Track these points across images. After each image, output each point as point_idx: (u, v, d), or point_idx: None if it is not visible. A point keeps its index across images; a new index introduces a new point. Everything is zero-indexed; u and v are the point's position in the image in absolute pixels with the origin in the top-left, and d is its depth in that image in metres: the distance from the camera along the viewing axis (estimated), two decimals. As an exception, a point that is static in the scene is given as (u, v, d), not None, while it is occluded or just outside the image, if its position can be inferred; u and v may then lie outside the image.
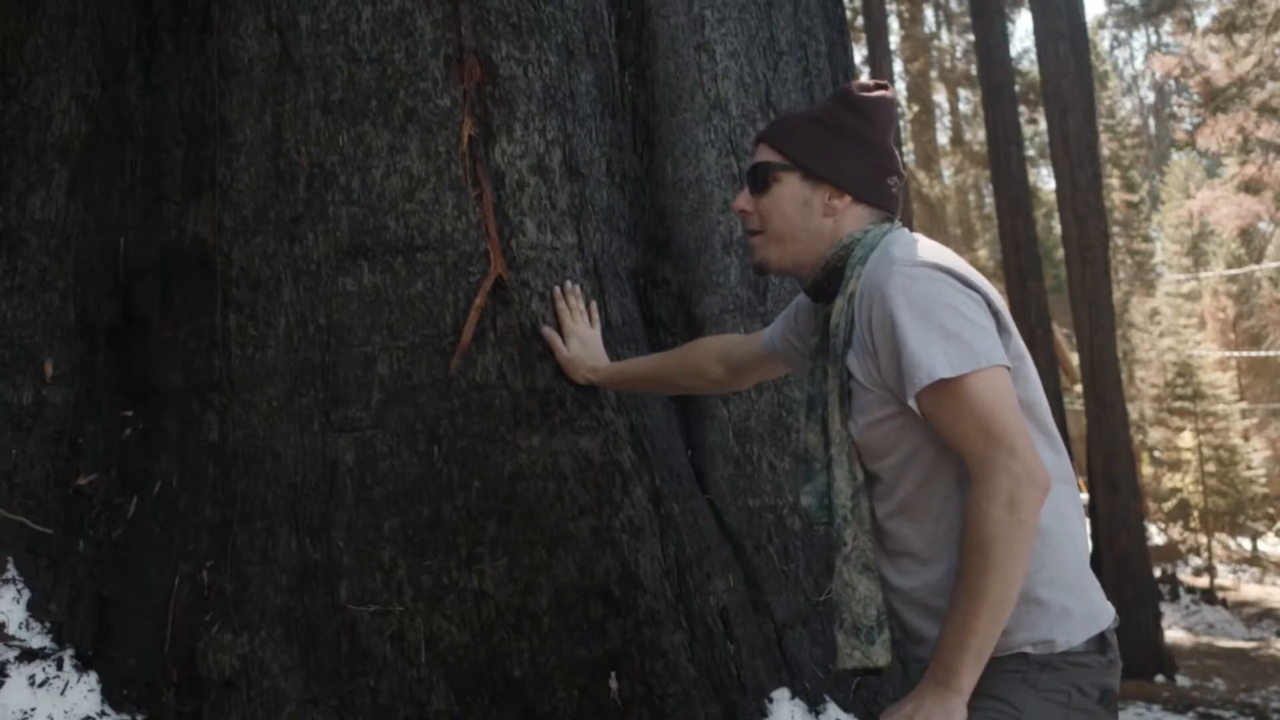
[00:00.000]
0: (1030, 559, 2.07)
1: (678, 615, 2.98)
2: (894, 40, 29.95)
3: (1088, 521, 18.25)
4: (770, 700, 3.10)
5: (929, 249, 2.22)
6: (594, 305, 3.18)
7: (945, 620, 2.08)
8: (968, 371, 2.05)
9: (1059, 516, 2.18)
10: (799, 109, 2.56)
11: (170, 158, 3.26)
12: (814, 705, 3.17)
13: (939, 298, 2.11)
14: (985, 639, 2.02)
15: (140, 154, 3.31)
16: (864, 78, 2.50)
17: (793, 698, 3.13)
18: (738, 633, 3.12)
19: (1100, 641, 2.17)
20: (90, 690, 2.80)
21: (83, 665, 2.86)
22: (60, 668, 2.81)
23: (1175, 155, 42.83)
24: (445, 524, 2.93)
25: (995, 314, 2.16)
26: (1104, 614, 2.20)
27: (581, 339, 3.09)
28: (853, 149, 2.37)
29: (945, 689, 2.03)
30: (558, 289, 3.14)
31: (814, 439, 2.40)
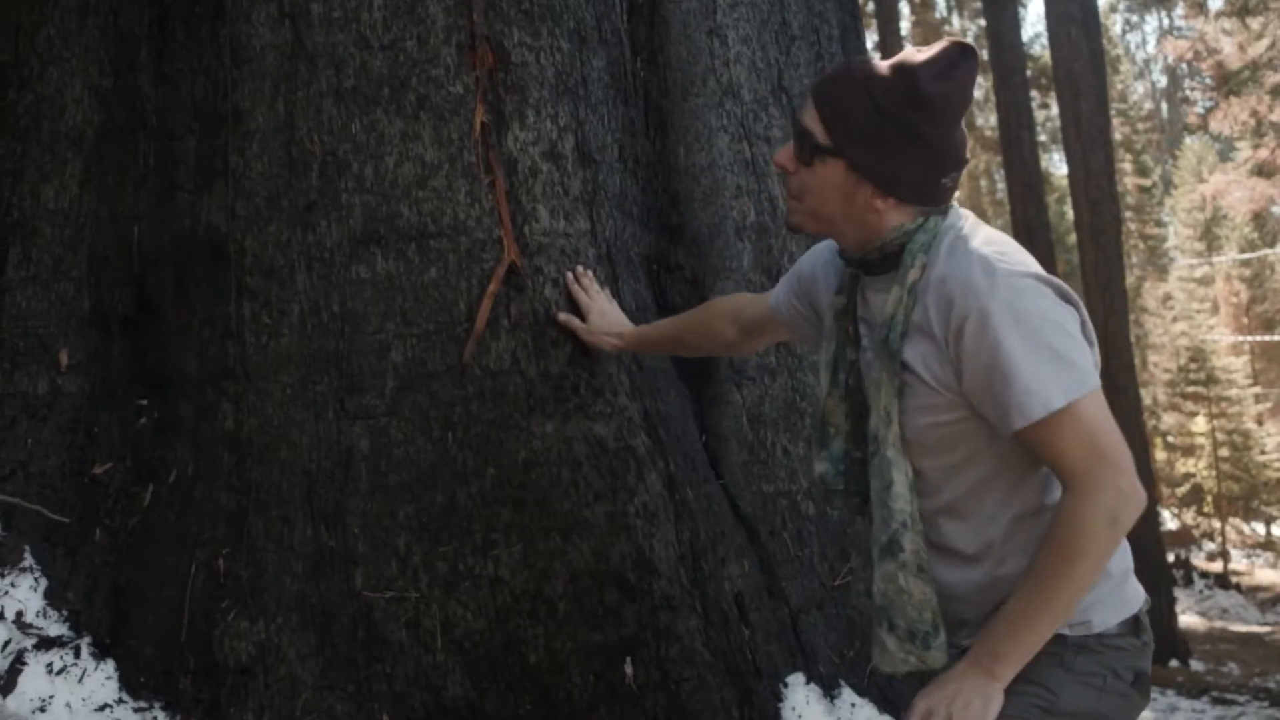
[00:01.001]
0: None
1: (693, 600, 2.98)
2: (905, 26, 29.88)
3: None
4: (785, 685, 3.10)
5: (1014, 251, 2.14)
6: (607, 290, 3.17)
7: (1006, 609, 2.05)
8: (1078, 398, 2.01)
9: None
10: (861, 72, 2.21)
11: (183, 146, 3.26)
12: (829, 690, 3.18)
13: (1047, 315, 2.04)
14: (1041, 638, 2.02)
15: (153, 143, 3.32)
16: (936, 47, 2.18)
17: (808, 682, 3.13)
18: (752, 618, 3.12)
19: (1135, 624, 2.16)
20: (108, 678, 2.82)
21: (100, 653, 2.87)
22: (78, 655, 2.83)
23: (1188, 139, 42.72)
24: (460, 510, 2.93)
25: (1083, 323, 2.12)
26: (1137, 596, 2.20)
27: (600, 310, 3.08)
28: (909, 151, 2.16)
29: (989, 676, 2.02)
30: (571, 274, 3.13)
31: (833, 404, 2.34)
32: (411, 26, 3.17)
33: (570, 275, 3.13)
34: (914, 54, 2.20)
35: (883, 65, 2.22)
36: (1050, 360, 2.01)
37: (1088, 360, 2.05)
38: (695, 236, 3.52)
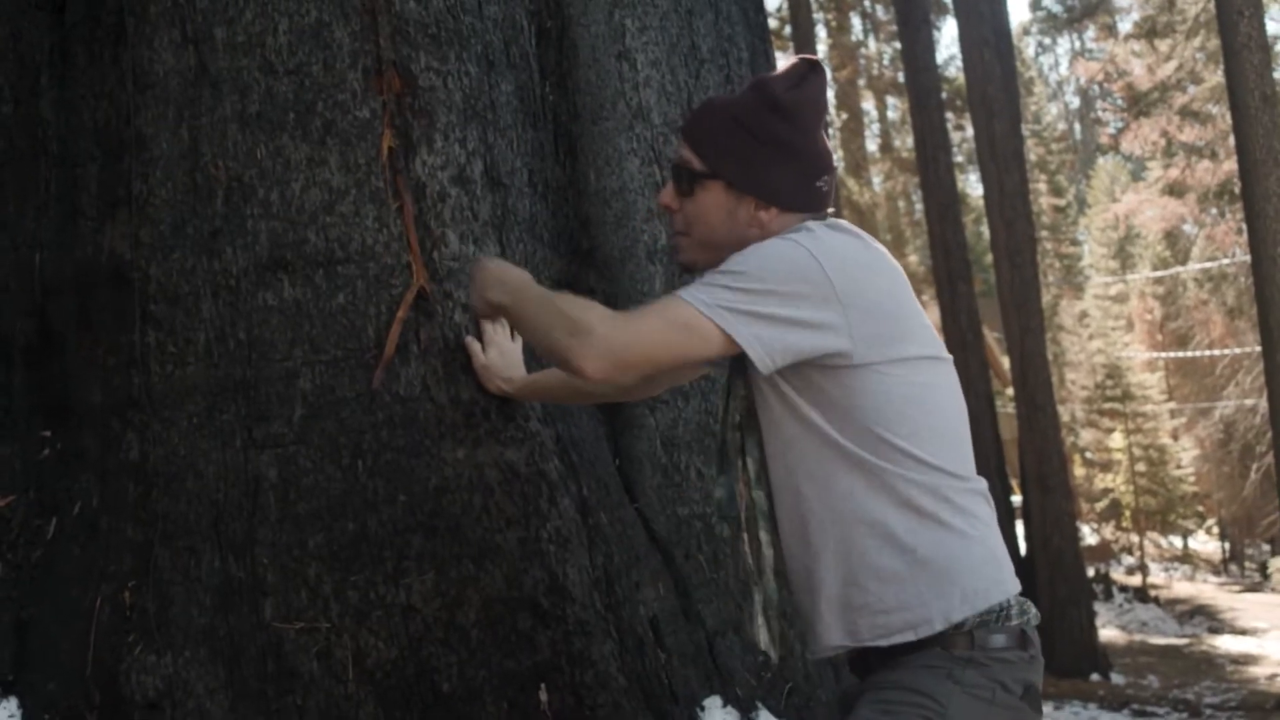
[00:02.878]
0: (933, 550, 2.15)
1: (607, 625, 2.97)
2: (822, 49, 30.14)
3: (1021, 523, 18.42)
4: (702, 709, 3.09)
5: (831, 239, 2.21)
6: None
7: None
8: (689, 302, 2.14)
9: (982, 516, 2.20)
10: (721, 100, 2.44)
11: (85, 173, 3.21)
12: (746, 712, 3.17)
13: (772, 253, 2.18)
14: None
15: (55, 169, 3.26)
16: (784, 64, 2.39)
17: (725, 705, 3.13)
18: (668, 641, 3.11)
19: (1021, 637, 2.18)
20: (10, 715, 2.76)
21: (2, 690, 2.81)
22: (-22, 693, 2.77)
23: (1101, 159, 43.40)
24: (371, 539, 2.90)
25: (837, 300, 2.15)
26: (1021, 608, 2.21)
27: (501, 349, 3.06)
28: (778, 158, 2.30)
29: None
30: (480, 302, 3.12)
31: (733, 435, 2.39)
32: (317, 51, 3.14)
33: (480, 303, 3.11)
34: (766, 75, 2.39)
35: (739, 92, 2.42)
36: (726, 280, 2.15)
37: (759, 304, 2.13)
38: (607, 260, 3.52)
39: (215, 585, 2.87)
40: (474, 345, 3.05)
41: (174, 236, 3.07)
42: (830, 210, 2.39)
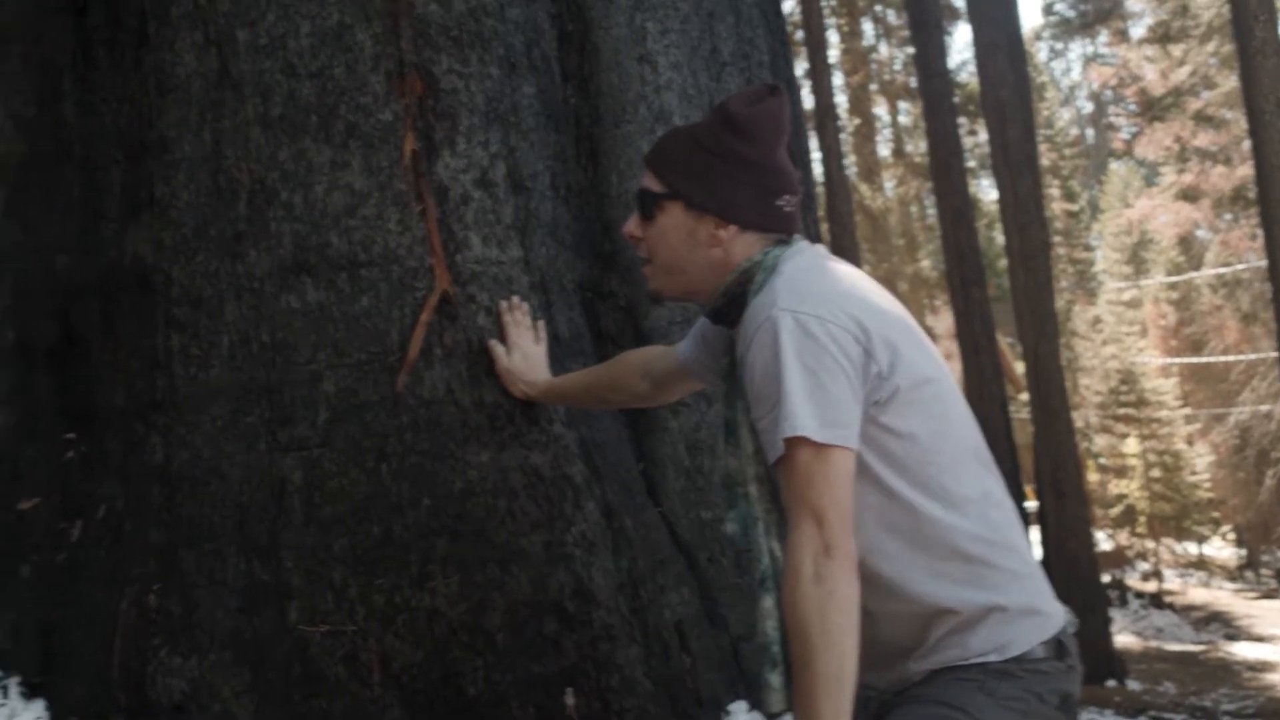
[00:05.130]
0: (980, 574, 2.09)
1: (633, 629, 2.96)
2: (834, 54, 30.12)
3: (1036, 529, 18.37)
4: (727, 713, 3.08)
5: (818, 286, 2.15)
6: (540, 323, 3.14)
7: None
8: (790, 435, 2.02)
9: (995, 528, 2.17)
10: (683, 127, 2.43)
11: (108, 176, 3.21)
12: (771, 718, 3.15)
13: (800, 352, 2.05)
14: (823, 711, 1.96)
15: (78, 173, 3.26)
16: (802, 86, 2.35)
17: (750, 710, 3.11)
18: (693, 646, 3.10)
19: (1058, 647, 2.15)
20: (38, 718, 2.75)
21: (29, 692, 2.80)
22: (6, 695, 2.77)
23: (1114, 164, 43.25)
24: (396, 542, 2.89)
25: (873, 369, 2.09)
26: (1056, 618, 2.19)
27: (524, 353, 3.05)
28: (735, 174, 2.25)
29: None
30: (504, 303, 3.11)
31: (734, 463, 2.34)
32: (339, 54, 3.14)
33: (503, 304, 3.11)
34: (726, 97, 2.39)
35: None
36: (790, 397, 2.03)
37: (823, 407, 2.03)
38: (628, 264, 3.51)
39: (240, 588, 2.86)
40: (497, 349, 3.04)
41: (197, 239, 3.07)
42: (797, 233, 2.32)
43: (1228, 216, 25.55)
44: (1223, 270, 30.61)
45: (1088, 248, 42.39)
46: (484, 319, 3.09)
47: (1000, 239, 20.52)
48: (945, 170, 18.28)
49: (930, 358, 2.20)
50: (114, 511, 2.99)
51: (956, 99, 22.35)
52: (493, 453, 2.98)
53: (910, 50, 24.18)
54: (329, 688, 2.80)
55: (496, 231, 3.17)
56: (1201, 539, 33.78)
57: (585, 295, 3.49)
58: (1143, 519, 32.11)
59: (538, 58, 3.48)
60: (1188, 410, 33.77)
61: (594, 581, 2.94)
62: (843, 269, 2.26)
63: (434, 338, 3.02)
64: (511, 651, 2.86)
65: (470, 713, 2.81)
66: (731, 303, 2.27)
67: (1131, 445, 32.59)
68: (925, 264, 35.41)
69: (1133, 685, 16.52)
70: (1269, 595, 29.48)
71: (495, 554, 2.90)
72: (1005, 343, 26.56)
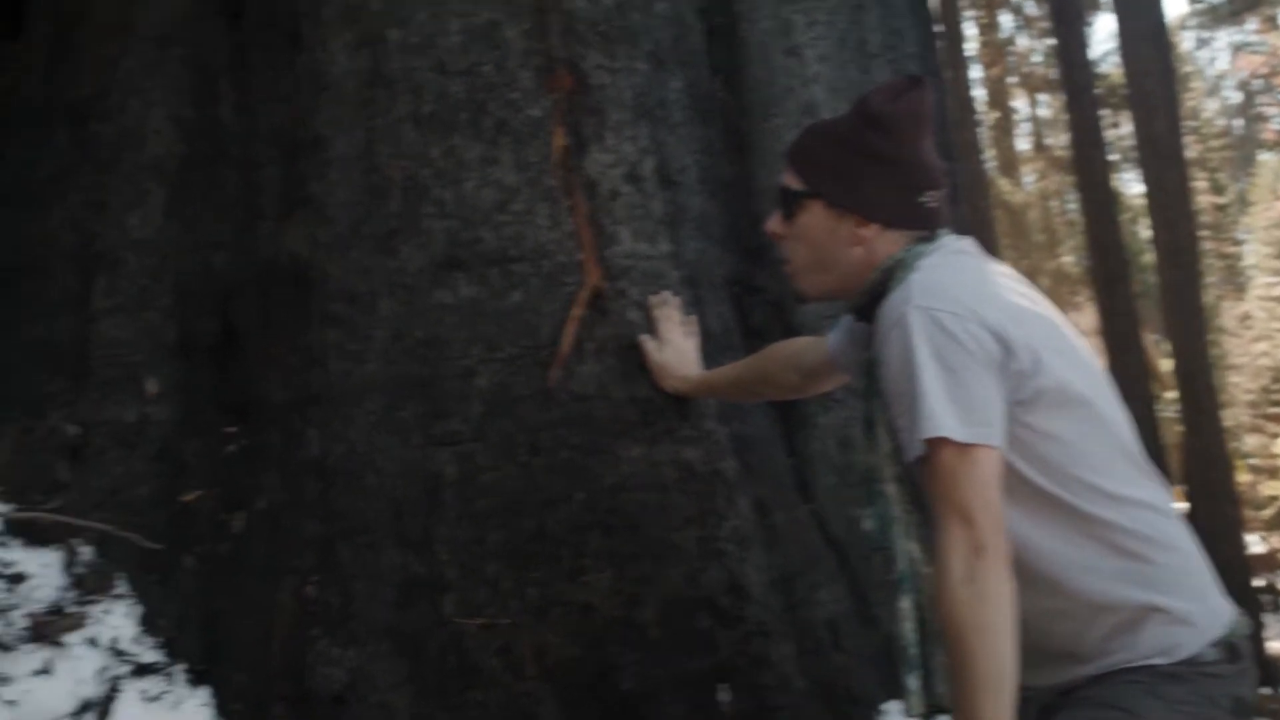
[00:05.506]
0: (1139, 571, 2.04)
1: (786, 626, 2.93)
2: (972, 47, 29.69)
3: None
4: (881, 713, 3.04)
5: (957, 283, 2.11)
6: (693, 318, 3.13)
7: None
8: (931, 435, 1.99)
9: (1153, 526, 2.10)
10: (824, 122, 2.42)
11: (264, 175, 3.27)
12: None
13: (937, 351, 2.02)
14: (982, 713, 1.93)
15: (234, 172, 3.33)
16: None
17: (903, 712, 3.07)
18: (847, 644, 3.07)
19: (1230, 649, 2.08)
20: (202, 705, 2.81)
21: (194, 680, 2.86)
22: (172, 683, 2.83)
23: (1263, 156, 42.06)
24: (549, 536, 2.90)
25: (1013, 368, 2.04)
26: (1227, 619, 2.11)
27: (675, 347, 3.04)
28: (876, 172, 2.21)
29: None
30: (655, 298, 3.10)
31: (872, 460, 2.30)
32: (489, 51, 3.16)
33: (654, 299, 3.10)
34: (866, 92, 2.30)
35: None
36: (928, 396, 1.99)
37: (964, 405, 1.99)
38: (776, 258, 3.47)
39: (396, 581, 2.89)
40: (648, 343, 3.03)
41: (351, 236, 3.11)
42: (942, 229, 2.26)
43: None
44: (1378, 263, 29.59)
45: (1236, 242, 41.26)
46: (634, 314, 3.08)
47: (1144, 233, 20.07)
48: (1088, 163, 17.90)
49: (1078, 357, 2.15)
50: (273, 504, 3.04)
51: (1098, 90, 21.90)
52: (645, 448, 2.97)
53: (1050, 42, 23.77)
54: (484, 680, 2.81)
55: (646, 226, 3.16)
56: (1357, 541, 32.70)
57: (734, 290, 3.46)
58: (1295, 521, 31.19)
59: (685, 52, 3.47)
60: (1343, 408, 32.73)
61: (747, 577, 2.92)
62: (985, 265, 2.22)
63: (585, 332, 3.03)
64: (665, 646, 2.84)
65: (624, 707, 2.80)
66: (873, 301, 2.22)
67: (1283, 445, 31.69)
68: (1067, 259, 34.76)
69: (1287, 692, 16.04)
70: None
71: (648, 549, 2.90)
72: (1151, 340, 25.99)
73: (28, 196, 3.41)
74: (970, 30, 29.96)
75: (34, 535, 2.97)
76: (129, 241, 3.25)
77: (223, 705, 2.83)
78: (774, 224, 2.38)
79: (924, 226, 2.23)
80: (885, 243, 2.22)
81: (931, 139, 2.27)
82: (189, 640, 2.94)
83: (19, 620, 2.80)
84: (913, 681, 2.22)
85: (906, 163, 2.22)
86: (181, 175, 3.32)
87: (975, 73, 29.62)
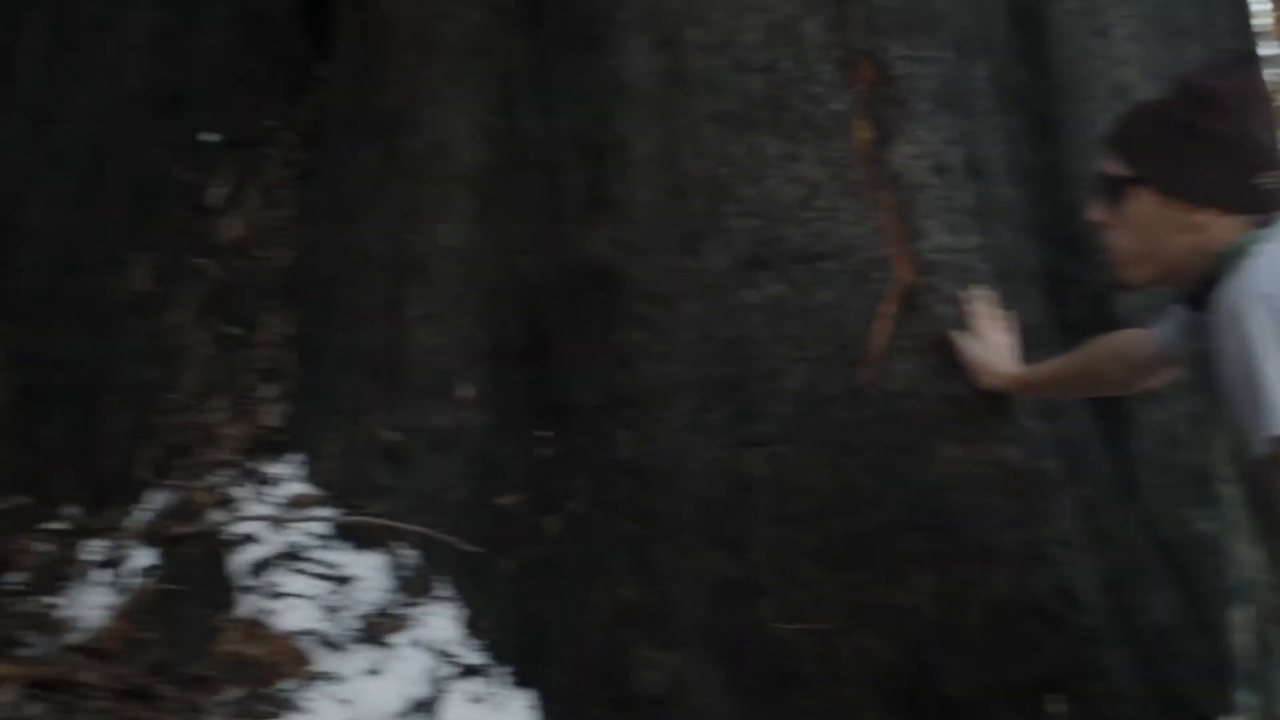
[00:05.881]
0: None
1: (1118, 633, 2.80)
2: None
3: None
4: (1222, 728, 2.88)
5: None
6: (1009, 312, 3.01)
7: None
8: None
9: None
10: (1145, 102, 2.30)
11: (566, 178, 3.30)
12: (1270, 734, 2.93)
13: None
14: None
15: (537, 176, 3.36)
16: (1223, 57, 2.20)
17: (1243, 724, 2.90)
18: (1180, 653, 2.90)
19: None
20: (528, 706, 2.85)
21: (518, 682, 2.90)
22: (496, 685, 2.88)
23: None
24: (865, 538, 2.84)
25: None
26: None
27: (991, 343, 2.93)
28: (1207, 154, 2.07)
29: None
30: (967, 293, 3.00)
31: (1206, 459, 2.18)
32: (788, 46, 3.11)
33: (967, 295, 3.00)
34: (1188, 70, 2.21)
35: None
36: (1272, 390, 1.85)
37: None
38: (1092, 248, 3.33)
39: (710, 583, 2.87)
40: (962, 340, 2.94)
41: (654, 237, 3.10)
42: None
43: None
44: None
45: None
46: (945, 309, 2.99)
47: None
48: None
49: None
50: (585, 506, 3.06)
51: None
52: (961, 447, 2.88)
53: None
54: (804, 685, 2.77)
55: (954, 219, 3.07)
56: None
57: (1048, 282, 3.33)
58: None
59: (988, 37, 3.35)
60: None
61: (1074, 581, 2.81)
62: None
63: (896, 329, 2.95)
64: (990, 651, 2.76)
65: (950, 713, 2.73)
66: (1206, 289, 2.07)
67: None
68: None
69: None
70: None
71: (970, 551, 2.81)
72: None
73: (341, 209, 3.52)
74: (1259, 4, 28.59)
75: (360, 538, 3.07)
76: (439, 249, 3.32)
77: (547, 707, 2.86)
78: (1097, 213, 2.26)
79: (1261, 210, 2.08)
80: (1219, 229, 2.08)
81: (1264, 118, 2.13)
82: (509, 642, 2.98)
83: (350, 621, 2.88)
84: (1248, 698, 2.08)
85: (1239, 143, 2.08)
86: (487, 182, 3.37)
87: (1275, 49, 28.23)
